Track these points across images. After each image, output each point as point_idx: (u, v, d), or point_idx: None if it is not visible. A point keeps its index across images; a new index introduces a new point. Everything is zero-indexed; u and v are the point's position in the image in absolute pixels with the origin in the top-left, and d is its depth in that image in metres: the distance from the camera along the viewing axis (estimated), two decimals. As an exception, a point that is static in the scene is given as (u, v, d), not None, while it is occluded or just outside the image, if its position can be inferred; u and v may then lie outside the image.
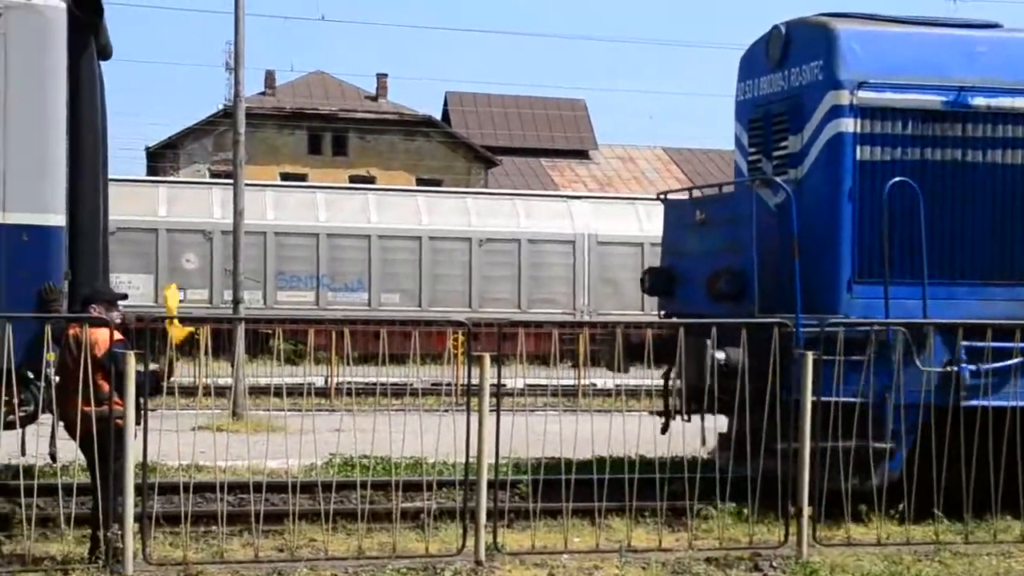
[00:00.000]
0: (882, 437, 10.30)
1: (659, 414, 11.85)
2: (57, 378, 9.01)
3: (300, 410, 15.54)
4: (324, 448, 12.20)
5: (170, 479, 10.94)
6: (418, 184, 42.20)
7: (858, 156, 10.90)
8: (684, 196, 12.91)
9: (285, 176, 43.46)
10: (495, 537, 9.26)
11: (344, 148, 47.11)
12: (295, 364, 21.30)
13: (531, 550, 9.36)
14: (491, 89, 68.35)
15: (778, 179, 11.27)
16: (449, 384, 19.34)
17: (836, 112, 10.91)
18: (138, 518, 8.75)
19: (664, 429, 11.43)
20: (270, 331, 24.07)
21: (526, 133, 52.59)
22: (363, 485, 10.29)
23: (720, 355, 10.20)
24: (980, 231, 11.13)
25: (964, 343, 10.45)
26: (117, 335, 8.91)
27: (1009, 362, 10.54)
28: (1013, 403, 10.48)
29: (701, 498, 9.96)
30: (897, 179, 10.76)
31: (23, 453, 9.27)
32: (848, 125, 10.90)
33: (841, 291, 10.77)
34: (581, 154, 52.81)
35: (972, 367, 10.50)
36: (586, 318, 28.33)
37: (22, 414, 9.36)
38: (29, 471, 9.44)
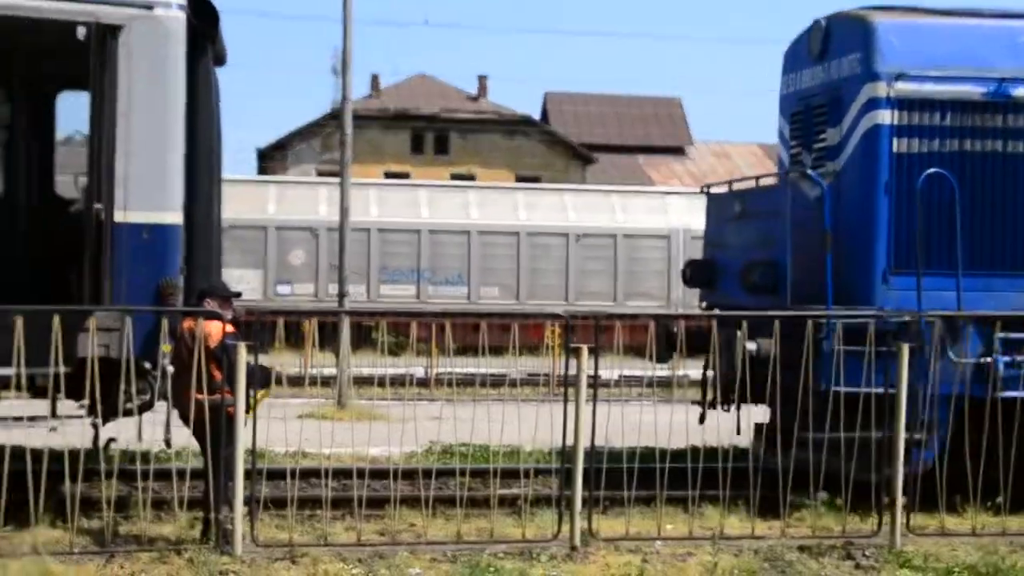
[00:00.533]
0: (916, 427, 10.13)
1: (698, 403, 11.85)
2: (172, 369, 9.44)
3: (401, 399, 15.86)
4: (424, 436, 12.44)
5: (277, 465, 11.32)
6: (517, 181, 42.49)
7: (895, 148, 10.87)
8: (725, 189, 12.90)
9: (389, 175, 44.03)
10: (590, 523, 9.41)
11: (446, 147, 47.55)
12: (397, 355, 21.67)
13: (625, 536, 9.50)
14: (589, 88, 68.32)
15: (816, 171, 11.26)
16: (546, 375, 19.59)
17: (873, 104, 10.90)
18: (247, 502, 9.03)
19: (702, 419, 11.37)
20: (373, 324, 24.55)
21: (623, 131, 52.53)
22: (462, 472, 10.55)
23: (751, 346, 10.29)
24: (1021, 222, 11.01)
25: (1000, 335, 10.39)
26: (229, 328, 9.32)
27: None
28: None
29: (733, 486, 9.90)
30: (933, 170, 10.67)
31: (140, 439, 9.67)
32: (885, 117, 10.87)
33: (876, 282, 10.76)
34: (677, 151, 52.57)
35: (1007, 358, 10.44)
36: (681, 311, 28.33)
37: (139, 402, 9.81)
38: (145, 456, 9.86)
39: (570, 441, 9.32)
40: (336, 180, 21.32)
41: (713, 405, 11.69)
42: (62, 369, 8.98)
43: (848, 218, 10.90)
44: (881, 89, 10.88)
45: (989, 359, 10.48)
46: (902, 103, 10.89)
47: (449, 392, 15.24)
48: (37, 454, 8.86)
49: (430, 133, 47.56)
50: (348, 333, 19.22)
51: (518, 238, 29.45)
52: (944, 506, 9.96)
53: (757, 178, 12.33)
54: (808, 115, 11.90)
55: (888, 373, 9.66)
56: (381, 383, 16.28)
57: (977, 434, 10.05)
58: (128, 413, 9.73)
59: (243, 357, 8.95)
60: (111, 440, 9.85)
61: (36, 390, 9.89)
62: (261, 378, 9.23)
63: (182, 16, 9.67)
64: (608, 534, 9.57)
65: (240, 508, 8.90)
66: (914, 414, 9.96)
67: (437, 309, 26.70)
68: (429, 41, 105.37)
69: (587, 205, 30.49)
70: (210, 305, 9.38)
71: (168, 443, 9.81)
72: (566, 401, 9.36)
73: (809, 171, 11.29)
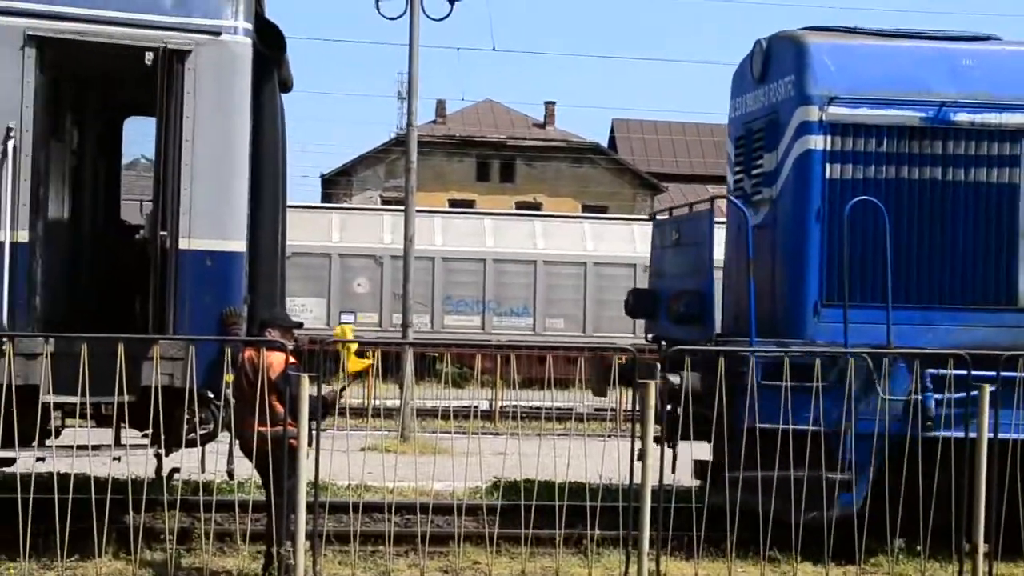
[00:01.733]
0: (839, 467, 9.84)
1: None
2: (234, 399, 9.36)
3: (465, 433, 15.73)
4: (488, 471, 12.32)
5: (340, 499, 11.19)
6: (584, 210, 42.33)
7: (827, 175, 10.45)
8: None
9: (453, 202, 44.11)
10: (658, 565, 9.21)
11: (511, 175, 47.58)
12: (461, 387, 21.57)
13: (694, 579, 9.28)
14: (657, 116, 68.16)
15: (754, 198, 10.98)
16: (613, 410, 19.33)
17: (805, 129, 10.49)
18: (309, 536, 8.96)
19: (640, 456, 11.09)
20: (437, 354, 24.44)
21: (692, 159, 52.27)
22: (527, 509, 10.37)
23: (675, 379, 9.96)
24: (961, 253, 10.53)
25: (929, 371, 9.95)
26: (291, 359, 9.20)
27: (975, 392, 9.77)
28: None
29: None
30: (860, 198, 10.23)
31: (203, 470, 9.59)
32: (817, 142, 10.46)
33: (808, 315, 10.34)
34: (748, 180, 52.20)
35: (937, 396, 9.95)
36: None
37: (202, 432, 9.74)
38: (208, 487, 9.78)
39: (637, 479, 9.09)
40: (400, 208, 21.27)
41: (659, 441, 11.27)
42: (126, 398, 8.92)
43: (783, 247, 10.57)
44: (813, 113, 10.47)
45: (919, 396, 9.99)
46: (835, 128, 10.47)
47: (514, 426, 15.06)
48: (101, 483, 8.80)
49: (496, 160, 47.62)
50: (412, 365, 19.09)
51: (584, 268, 29.24)
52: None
53: (691, 205, 11.90)
54: (749, 139, 11.52)
55: (818, 408, 9.42)
56: (445, 416, 16.14)
57: (914, 474, 9.69)
58: (191, 443, 9.66)
59: (306, 388, 8.83)
60: (174, 471, 9.77)
61: (100, 419, 9.86)
62: (325, 406, 9.12)
63: (248, 42, 9.63)
64: (677, 576, 9.31)
65: (303, 542, 8.78)
66: (840, 454, 9.67)
67: (501, 340, 26.55)
68: (496, 67, 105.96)
69: (654, 235, 30.21)
70: (272, 335, 9.28)
71: (231, 474, 9.72)
72: (633, 437, 9.14)
73: (731, 197, 10.97)
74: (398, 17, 19.15)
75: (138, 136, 12.67)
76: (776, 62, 10.96)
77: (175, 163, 9.34)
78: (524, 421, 18.69)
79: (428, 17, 19.22)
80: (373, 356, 9.70)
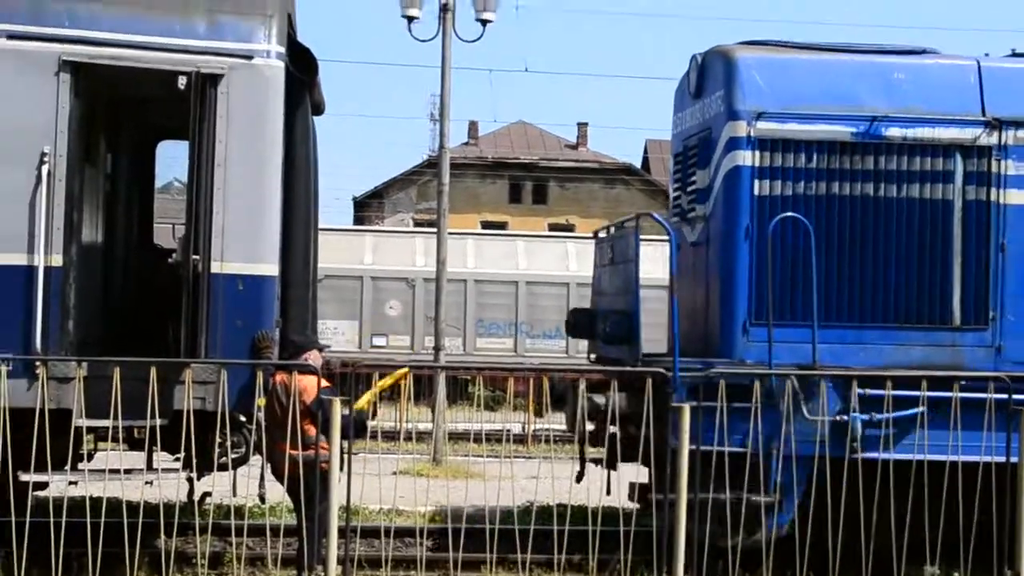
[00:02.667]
0: (767, 490, 9.69)
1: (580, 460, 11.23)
2: (265, 423, 9.34)
3: (498, 456, 15.66)
4: (521, 495, 12.25)
5: (371, 523, 11.14)
6: (616, 232, 42.26)
7: (756, 191, 10.23)
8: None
9: (486, 224, 44.14)
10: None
11: (544, 196, 47.60)
12: (494, 410, 21.51)
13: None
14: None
15: (689, 215, 10.90)
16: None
17: (733, 144, 10.29)
18: (341, 561, 8.94)
19: (579, 478, 10.84)
20: (469, 377, 24.38)
21: (725, 180, 52.16)
22: (560, 534, 10.27)
23: (600, 399, 9.87)
24: (895, 270, 10.29)
25: (857, 391, 9.74)
26: (324, 382, 9.19)
27: (905, 412, 9.73)
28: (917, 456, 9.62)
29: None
30: (784, 215, 10.05)
31: (234, 494, 9.60)
32: (745, 158, 10.24)
33: (736, 334, 10.15)
34: (782, 200, 52.06)
35: (865, 416, 9.75)
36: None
37: (234, 455, 9.74)
38: (239, 511, 9.76)
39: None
40: (433, 230, 21.27)
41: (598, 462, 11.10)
42: (158, 422, 8.93)
43: (715, 265, 10.44)
44: (741, 128, 10.27)
45: (846, 417, 9.79)
46: (763, 143, 10.25)
47: (547, 449, 14.98)
48: (133, 507, 8.80)
49: (528, 181, 47.65)
50: (444, 388, 19.04)
51: (617, 290, 29.15)
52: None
53: (622, 222, 11.76)
54: (685, 156, 11.37)
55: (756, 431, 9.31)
56: (477, 439, 16.08)
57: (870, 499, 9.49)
58: (223, 467, 9.65)
59: (338, 412, 8.81)
60: (206, 495, 9.75)
61: (133, 442, 9.87)
62: (357, 427, 9.11)
63: (281, 65, 9.65)
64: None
65: (334, 567, 8.74)
66: (766, 476, 9.54)
67: (534, 363, 26.45)
68: (528, 88, 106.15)
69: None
70: (309, 358, 9.29)
71: (262, 498, 9.71)
72: (665, 462, 9.05)
73: (654, 214, 10.81)
74: (430, 39, 19.18)
75: (171, 160, 12.74)
76: (709, 77, 10.80)
77: (208, 187, 9.36)
78: (557, 444, 18.63)
79: (460, 39, 19.22)
80: (405, 379, 9.63)
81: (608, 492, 10.31)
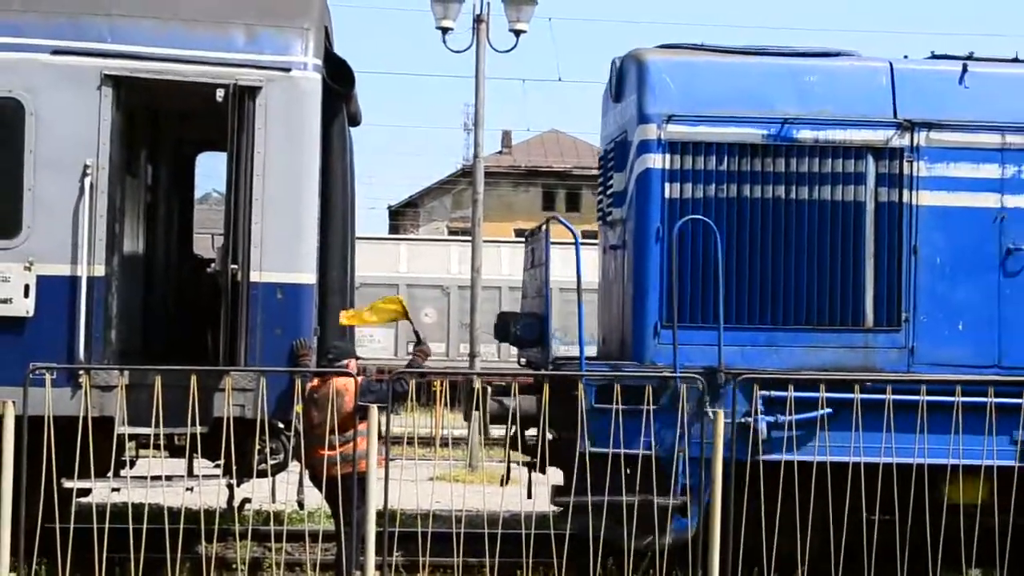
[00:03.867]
0: (671, 492, 9.69)
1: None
2: (303, 430, 9.45)
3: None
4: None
5: (409, 528, 11.22)
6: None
7: (666, 194, 10.17)
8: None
9: (519, 232, 44.18)
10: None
11: (577, 204, 47.59)
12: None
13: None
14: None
15: (607, 219, 10.99)
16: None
17: (644, 147, 10.24)
18: (379, 567, 9.00)
19: (503, 481, 10.87)
20: (504, 383, 24.41)
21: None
22: (595, 538, 10.31)
23: (511, 403, 9.97)
24: (806, 272, 10.19)
25: (763, 393, 9.72)
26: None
27: (810, 414, 9.67)
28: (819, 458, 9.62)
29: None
30: (690, 217, 10.02)
31: (273, 500, 9.71)
32: (656, 161, 10.19)
33: (647, 337, 10.13)
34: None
35: (770, 419, 9.73)
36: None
37: (273, 462, 9.85)
38: (279, 517, 9.88)
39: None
40: (467, 238, 21.37)
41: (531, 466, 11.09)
42: (199, 429, 9.07)
43: (629, 268, 10.45)
44: (652, 131, 10.22)
45: (750, 419, 9.76)
46: (674, 146, 10.19)
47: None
48: (174, 513, 8.93)
49: (561, 189, 47.69)
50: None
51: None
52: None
53: (539, 227, 11.70)
54: (606, 159, 11.41)
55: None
56: (513, 445, 16.09)
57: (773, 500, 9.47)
58: (262, 474, 9.77)
59: (375, 419, 8.92)
60: (245, 501, 9.87)
61: (173, 449, 10.02)
62: (397, 394, 9.31)
63: (318, 77, 9.77)
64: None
65: (372, 572, 8.82)
66: (670, 478, 9.57)
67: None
68: (561, 96, 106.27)
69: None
70: (350, 366, 9.41)
71: (301, 504, 9.80)
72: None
73: (559, 217, 10.75)
74: (464, 50, 19.31)
75: (210, 171, 12.88)
76: (626, 81, 10.79)
77: (246, 197, 9.49)
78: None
79: (494, 49, 19.34)
80: (441, 386, 9.73)
81: (529, 496, 10.36)
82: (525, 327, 10.75)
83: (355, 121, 11.16)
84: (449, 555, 10.19)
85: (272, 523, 9.44)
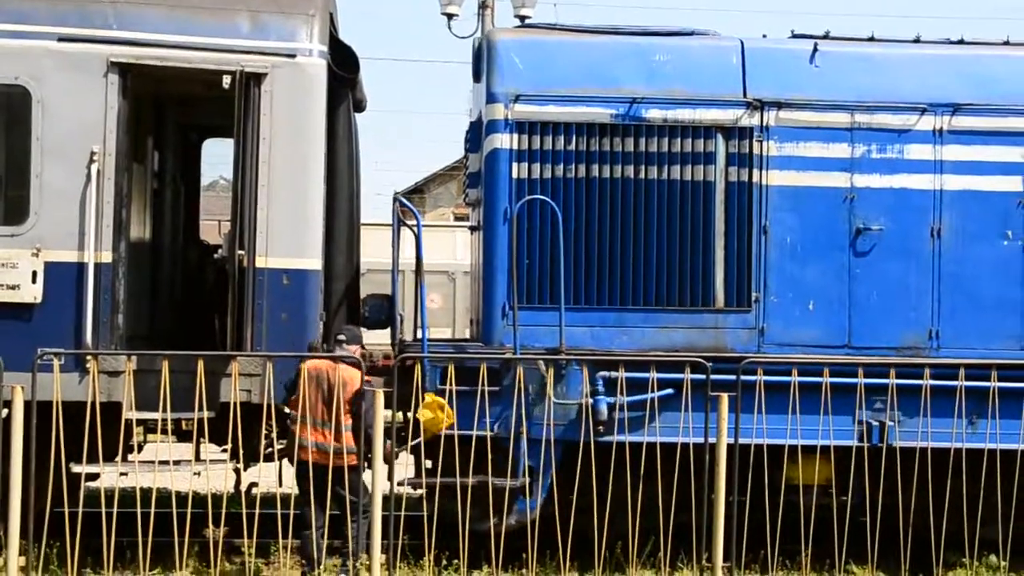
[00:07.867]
0: (513, 474, 9.77)
1: None
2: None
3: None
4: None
5: (416, 512, 11.26)
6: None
7: (514, 174, 10.16)
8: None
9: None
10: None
11: (583, 189, 47.66)
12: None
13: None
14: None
15: (467, 199, 11.06)
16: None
17: (492, 127, 10.22)
18: (384, 550, 9.06)
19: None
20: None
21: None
22: (599, 528, 10.35)
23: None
24: (655, 252, 10.15)
25: (602, 374, 9.78)
26: (366, 377, 9.35)
27: (641, 396, 9.70)
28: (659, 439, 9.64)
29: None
30: (531, 197, 10.03)
31: (280, 484, 9.78)
32: (503, 141, 10.17)
33: (496, 318, 10.15)
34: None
35: (609, 400, 9.77)
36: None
37: (280, 447, 9.92)
38: (285, 502, 9.93)
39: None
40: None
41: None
42: (206, 414, 9.12)
43: (481, 249, 10.49)
44: (499, 111, 10.20)
45: (591, 400, 9.82)
46: (521, 126, 10.16)
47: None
48: (182, 498, 8.99)
49: (566, 177, 47.67)
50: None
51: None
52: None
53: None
54: (466, 141, 11.44)
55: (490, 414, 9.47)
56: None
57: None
58: (268, 458, 9.83)
59: (380, 405, 8.96)
60: (252, 485, 9.93)
61: (181, 434, 10.08)
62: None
63: (323, 64, 9.81)
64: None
65: (378, 557, 8.88)
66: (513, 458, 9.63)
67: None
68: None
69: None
70: (357, 352, 9.45)
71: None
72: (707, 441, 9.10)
73: (401, 197, 10.65)
74: (470, 36, 19.33)
75: (216, 157, 12.91)
76: (481, 61, 10.73)
77: (252, 183, 9.54)
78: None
79: (499, 35, 19.35)
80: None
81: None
82: (373, 308, 10.70)
83: (360, 107, 11.20)
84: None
85: (279, 507, 9.48)
